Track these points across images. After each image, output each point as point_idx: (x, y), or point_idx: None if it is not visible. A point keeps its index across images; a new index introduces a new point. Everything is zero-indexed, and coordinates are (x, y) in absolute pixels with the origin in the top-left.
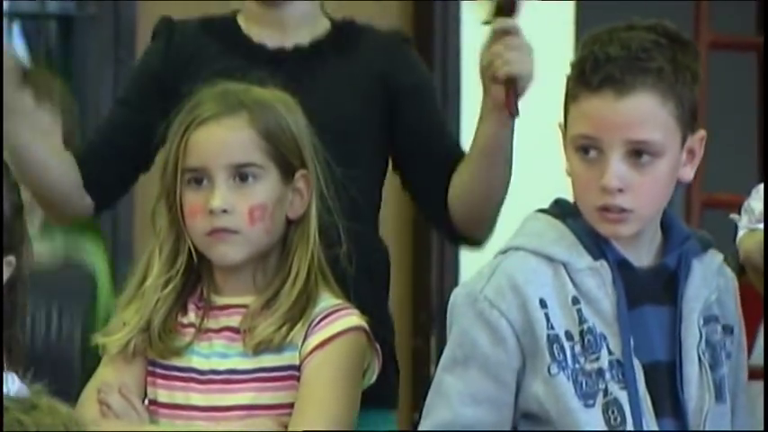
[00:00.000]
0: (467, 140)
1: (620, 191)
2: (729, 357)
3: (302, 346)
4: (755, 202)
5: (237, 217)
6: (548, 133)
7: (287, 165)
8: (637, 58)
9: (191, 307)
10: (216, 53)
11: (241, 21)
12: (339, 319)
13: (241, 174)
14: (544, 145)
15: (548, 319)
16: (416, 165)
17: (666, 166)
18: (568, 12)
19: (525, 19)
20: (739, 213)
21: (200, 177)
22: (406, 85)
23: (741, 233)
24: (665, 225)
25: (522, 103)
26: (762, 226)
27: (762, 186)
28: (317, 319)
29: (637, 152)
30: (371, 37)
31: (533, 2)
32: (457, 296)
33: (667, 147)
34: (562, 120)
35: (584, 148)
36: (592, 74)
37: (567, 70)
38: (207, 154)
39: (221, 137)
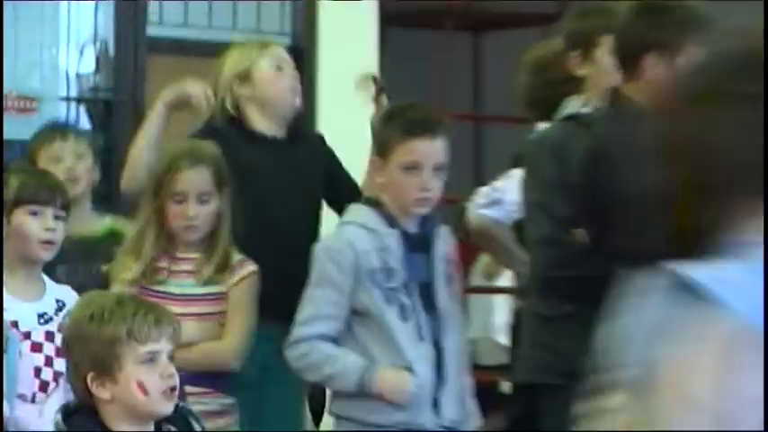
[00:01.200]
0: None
1: (431, 188)
2: (454, 280)
3: (228, 281)
4: (479, 198)
5: (200, 219)
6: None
7: (221, 188)
8: (434, 119)
9: (163, 258)
10: None
11: None
12: (246, 266)
13: (202, 197)
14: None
15: (368, 261)
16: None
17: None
18: (371, 12)
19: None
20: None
21: (181, 198)
22: None
23: (470, 214)
24: None
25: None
26: (485, 212)
27: (483, 189)
28: (234, 266)
29: (437, 168)
30: None
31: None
32: (318, 248)
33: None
34: (375, 155)
35: (408, 167)
36: (415, 126)
37: (386, 125)
38: (185, 184)
39: (194, 175)
